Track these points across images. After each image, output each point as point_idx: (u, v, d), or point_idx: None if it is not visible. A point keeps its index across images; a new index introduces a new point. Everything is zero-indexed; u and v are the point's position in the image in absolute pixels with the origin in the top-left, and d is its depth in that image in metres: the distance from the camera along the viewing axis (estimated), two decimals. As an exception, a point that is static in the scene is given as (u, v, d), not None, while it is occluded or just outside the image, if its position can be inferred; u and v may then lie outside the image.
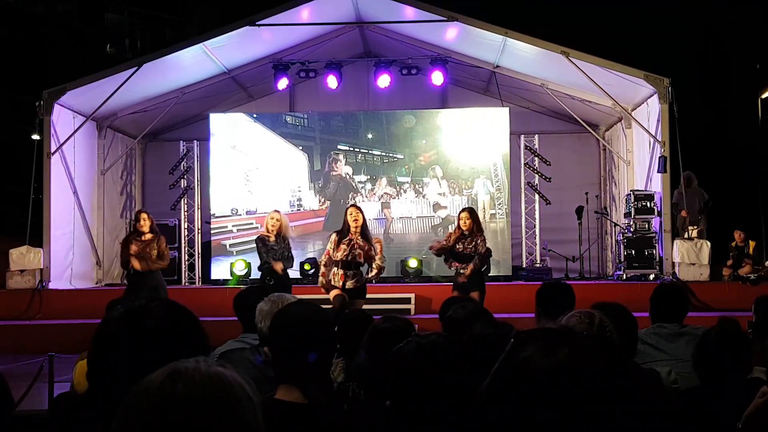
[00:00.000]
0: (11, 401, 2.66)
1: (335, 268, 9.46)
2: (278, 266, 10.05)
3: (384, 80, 15.48)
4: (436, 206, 16.45)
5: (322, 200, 16.53)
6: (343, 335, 4.53)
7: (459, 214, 10.23)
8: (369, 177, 16.60)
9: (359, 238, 9.46)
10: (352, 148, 16.62)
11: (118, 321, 1.82)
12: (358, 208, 9.72)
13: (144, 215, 10.66)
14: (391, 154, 16.58)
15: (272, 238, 10.20)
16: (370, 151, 16.63)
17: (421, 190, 16.51)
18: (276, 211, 10.80)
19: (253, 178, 16.52)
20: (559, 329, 1.34)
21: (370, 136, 16.65)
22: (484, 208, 16.05)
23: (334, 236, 9.60)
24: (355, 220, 9.44)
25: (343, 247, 9.40)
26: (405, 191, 16.53)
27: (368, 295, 9.89)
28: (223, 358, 4.11)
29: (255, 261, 15.76)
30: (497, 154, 16.25)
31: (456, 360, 2.28)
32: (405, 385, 2.25)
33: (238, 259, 15.73)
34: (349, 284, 9.41)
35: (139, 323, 1.80)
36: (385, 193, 16.48)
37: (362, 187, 16.57)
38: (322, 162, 16.63)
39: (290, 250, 10.43)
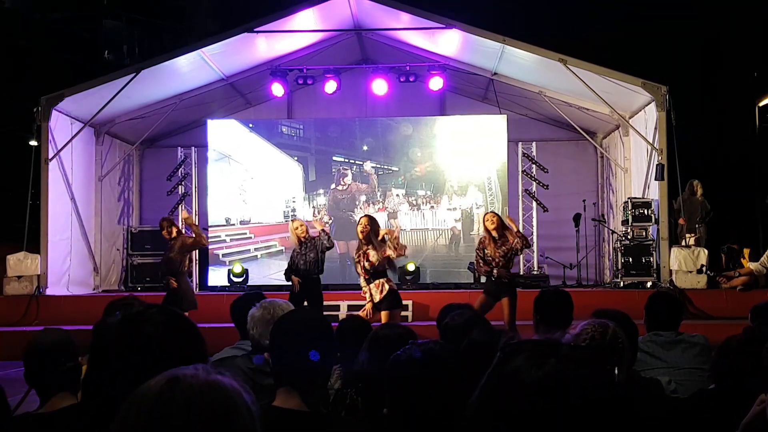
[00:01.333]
0: (8, 408, 2.65)
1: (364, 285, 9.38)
2: (295, 281, 10.46)
3: (380, 87, 15.48)
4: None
5: (317, 211, 16.50)
6: (341, 342, 4.52)
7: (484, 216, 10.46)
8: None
9: (369, 247, 9.25)
10: (347, 159, 16.62)
11: (117, 327, 1.82)
12: (366, 218, 9.58)
13: (164, 223, 11.39)
14: (386, 166, 16.58)
15: (297, 247, 10.61)
16: (366, 163, 16.65)
17: (414, 202, 16.51)
18: (293, 220, 11.14)
19: (248, 188, 16.52)
20: (546, 340, 1.35)
21: (365, 147, 16.63)
22: (478, 221, 16.11)
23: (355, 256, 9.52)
24: (362, 231, 9.30)
25: (360, 262, 9.33)
26: (400, 203, 16.53)
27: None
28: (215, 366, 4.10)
29: (252, 267, 15.87)
30: (493, 165, 16.25)
31: (453, 368, 2.28)
32: (402, 392, 2.25)
33: (236, 263, 15.70)
34: (376, 297, 9.25)
35: (138, 329, 1.80)
36: (383, 206, 16.46)
37: (356, 199, 16.59)
38: (318, 174, 16.62)
39: (323, 243, 10.57)
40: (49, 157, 14.40)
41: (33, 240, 14.45)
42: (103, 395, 1.78)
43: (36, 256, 14.19)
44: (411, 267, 15.48)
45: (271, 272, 16.10)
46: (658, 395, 3.71)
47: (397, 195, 16.52)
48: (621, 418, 1.27)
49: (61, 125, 14.86)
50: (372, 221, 9.47)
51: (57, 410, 2.79)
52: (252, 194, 16.52)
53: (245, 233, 16.33)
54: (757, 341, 3.32)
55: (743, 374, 3.24)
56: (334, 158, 16.65)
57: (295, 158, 16.66)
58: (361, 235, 9.32)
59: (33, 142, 14.75)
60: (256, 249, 16.40)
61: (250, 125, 16.79)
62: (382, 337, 3.69)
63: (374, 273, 9.25)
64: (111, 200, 16.97)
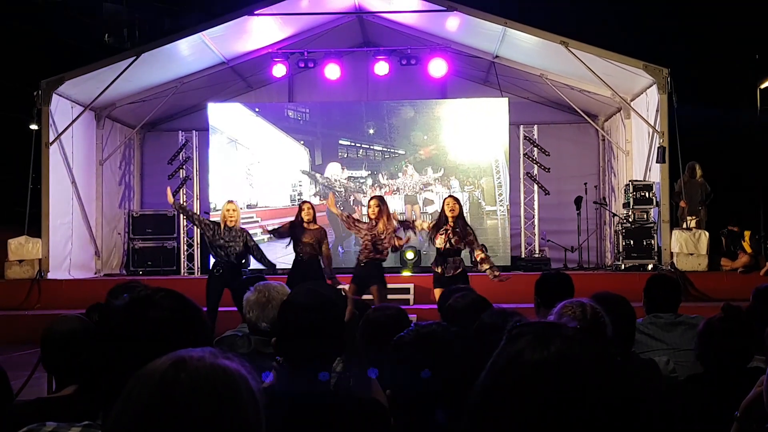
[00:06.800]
0: (10, 393, 2.66)
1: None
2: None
3: (382, 68, 15.44)
4: (426, 201, 16.46)
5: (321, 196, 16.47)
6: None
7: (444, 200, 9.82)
8: (370, 172, 16.58)
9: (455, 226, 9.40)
10: (353, 143, 16.60)
11: (123, 310, 1.82)
12: (454, 199, 9.61)
13: (308, 205, 10.82)
14: (392, 149, 16.56)
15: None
16: (372, 147, 16.61)
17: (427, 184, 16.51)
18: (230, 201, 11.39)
19: (254, 171, 16.50)
20: (550, 322, 1.36)
21: (371, 131, 16.60)
22: (483, 204, 16.15)
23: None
24: (452, 210, 9.37)
25: (441, 236, 9.38)
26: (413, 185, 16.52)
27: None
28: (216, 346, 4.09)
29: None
30: (498, 149, 16.22)
31: (456, 349, 2.29)
32: (405, 374, 2.26)
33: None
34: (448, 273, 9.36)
35: (144, 313, 1.80)
36: (384, 187, 16.44)
37: (362, 183, 16.56)
38: (325, 157, 16.60)
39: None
40: (50, 141, 14.39)
41: (34, 224, 14.46)
42: (107, 378, 1.79)
43: (37, 240, 14.21)
44: (410, 255, 15.39)
45: (277, 255, 16.11)
46: (655, 376, 3.72)
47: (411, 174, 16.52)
48: (624, 398, 1.28)
49: (61, 109, 14.85)
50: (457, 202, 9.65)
51: (65, 396, 2.80)
52: (258, 178, 16.51)
53: (252, 217, 16.30)
54: (738, 320, 3.33)
55: (727, 354, 3.25)
56: (341, 142, 16.63)
57: (302, 142, 16.65)
58: (454, 216, 9.40)
59: (33, 126, 14.75)
60: (262, 233, 16.38)
61: (257, 109, 16.74)
62: (374, 320, 3.68)
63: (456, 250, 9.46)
64: (112, 184, 16.98)
